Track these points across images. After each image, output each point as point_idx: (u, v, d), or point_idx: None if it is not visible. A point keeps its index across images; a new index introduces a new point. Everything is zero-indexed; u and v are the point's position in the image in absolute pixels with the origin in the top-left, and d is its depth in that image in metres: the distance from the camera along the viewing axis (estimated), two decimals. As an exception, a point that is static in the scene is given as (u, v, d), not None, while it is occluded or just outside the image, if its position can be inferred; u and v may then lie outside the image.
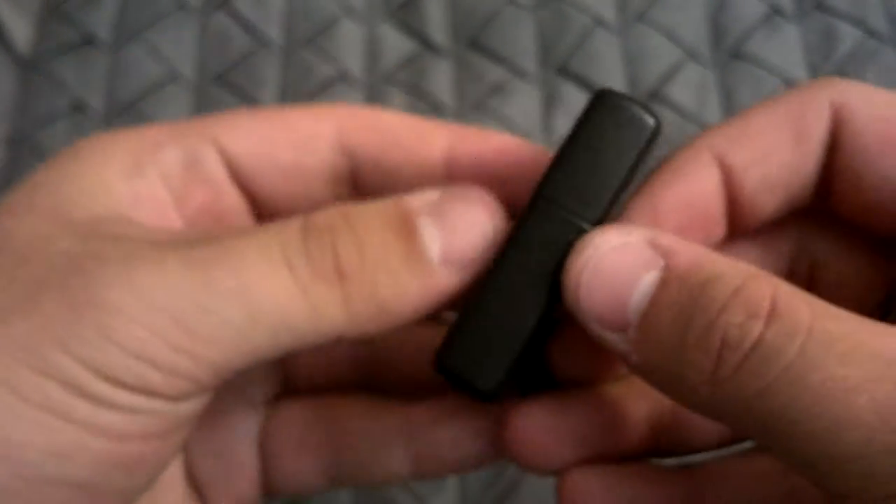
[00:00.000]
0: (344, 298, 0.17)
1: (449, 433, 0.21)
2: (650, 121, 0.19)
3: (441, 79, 0.44)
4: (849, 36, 0.43)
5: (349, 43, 0.45)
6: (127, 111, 0.43)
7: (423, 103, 0.43)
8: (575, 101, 0.43)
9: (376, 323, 0.17)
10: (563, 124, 0.42)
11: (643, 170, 0.21)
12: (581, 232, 0.19)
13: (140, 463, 0.17)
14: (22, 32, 0.45)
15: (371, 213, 0.18)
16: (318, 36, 0.45)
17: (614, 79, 0.43)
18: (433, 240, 0.18)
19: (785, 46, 0.44)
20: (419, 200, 0.18)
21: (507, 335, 0.19)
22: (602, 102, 0.19)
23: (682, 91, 0.43)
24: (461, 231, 0.18)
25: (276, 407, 0.22)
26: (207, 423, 0.21)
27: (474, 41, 0.45)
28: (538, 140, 0.42)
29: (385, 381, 0.22)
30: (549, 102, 0.43)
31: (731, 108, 0.42)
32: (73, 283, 0.16)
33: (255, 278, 0.17)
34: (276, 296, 0.17)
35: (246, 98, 0.44)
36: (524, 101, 0.43)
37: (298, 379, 0.23)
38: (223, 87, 0.44)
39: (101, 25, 0.46)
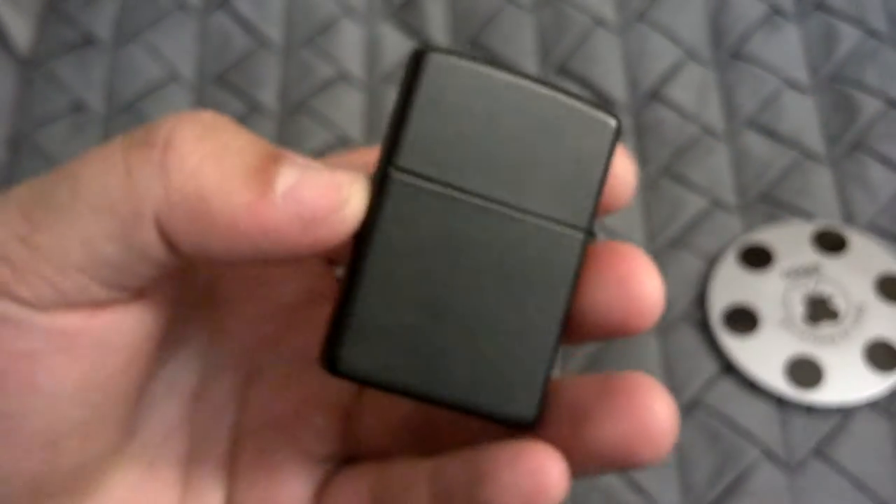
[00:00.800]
0: (163, 166, 0.16)
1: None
2: (612, 121, 0.18)
3: (441, 79, 0.44)
4: (849, 36, 0.43)
5: (349, 43, 0.45)
6: (127, 111, 0.43)
7: (423, 103, 0.43)
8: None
9: (194, 218, 0.16)
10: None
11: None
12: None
13: (10, 383, 0.17)
14: (22, 32, 0.45)
15: (244, 132, 0.17)
16: (318, 36, 0.45)
17: (614, 79, 0.43)
18: (287, 177, 0.16)
19: (785, 46, 0.44)
20: (300, 158, 0.17)
21: (531, 353, 0.18)
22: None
23: (682, 91, 0.43)
24: (324, 187, 0.16)
25: (337, 471, 0.21)
26: (259, 469, 0.21)
27: (474, 41, 0.45)
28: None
29: (443, 446, 0.21)
30: (549, 102, 0.43)
31: (731, 108, 0.42)
32: None
33: (89, 159, 0.16)
34: (99, 167, 0.16)
35: (246, 98, 0.44)
36: (524, 101, 0.43)
37: (361, 443, 0.21)
38: (223, 87, 0.44)
39: (101, 25, 0.46)
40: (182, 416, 0.20)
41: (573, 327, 0.18)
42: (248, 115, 0.43)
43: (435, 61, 0.17)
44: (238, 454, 0.21)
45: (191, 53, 0.45)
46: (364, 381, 0.18)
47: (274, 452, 0.20)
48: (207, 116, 0.17)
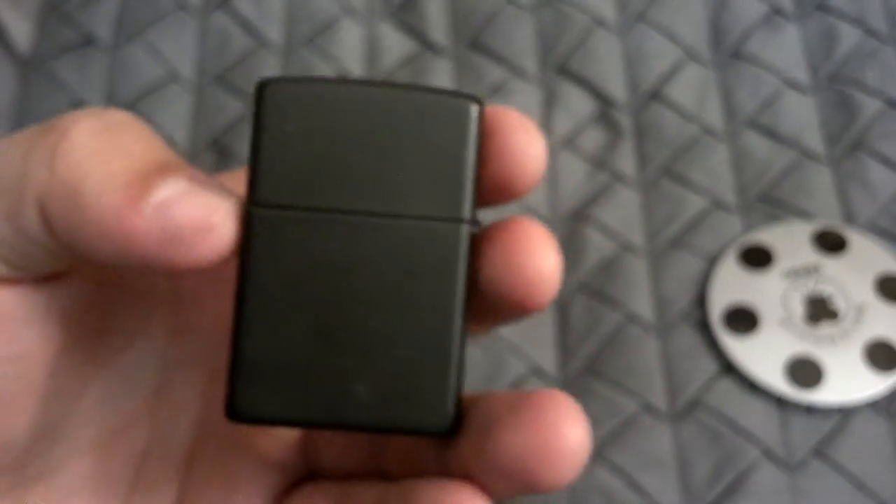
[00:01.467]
0: (53, 153, 0.16)
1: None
2: (472, 108, 0.18)
3: (441, 79, 0.44)
4: (849, 36, 0.43)
5: (349, 43, 0.45)
6: (127, 111, 0.43)
7: (423, 103, 0.43)
8: (575, 101, 0.43)
9: (68, 210, 0.16)
10: (563, 124, 0.42)
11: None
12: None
13: None
14: (22, 32, 0.45)
15: (147, 137, 0.17)
16: (318, 36, 0.45)
17: (614, 79, 0.43)
18: (165, 191, 0.16)
19: (785, 46, 0.44)
20: (196, 175, 0.17)
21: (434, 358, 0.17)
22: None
23: (682, 91, 0.43)
24: (196, 208, 0.16)
25: (297, 484, 0.21)
26: (214, 472, 0.20)
27: (474, 41, 0.45)
28: (538, 140, 0.42)
29: (396, 466, 0.20)
30: (549, 102, 0.43)
31: (731, 107, 0.42)
32: None
33: (4, 141, 0.17)
34: (5, 148, 0.17)
35: (246, 98, 0.44)
36: (524, 101, 0.43)
37: (323, 458, 0.21)
38: (223, 87, 0.44)
39: (101, 25, 0.46)
40: (141, 410, 0.20)
41: (475, 312, 0.18)
42: (248, 116, 0.43)
43: (273, 91, 0.17)
44: (196, 454, 0.21)
45: (191, 53, 0.45)
46: (269, 423, 0.17)
47: (231, 456, 0.20)
48: (116, 115, 0.17)
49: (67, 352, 0.19)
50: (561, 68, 0.44)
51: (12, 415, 0.18)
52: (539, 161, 0.17)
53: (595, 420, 0.36)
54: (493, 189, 0.18)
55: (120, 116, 0.17)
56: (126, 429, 0.20)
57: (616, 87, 0.43)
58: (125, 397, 0.20)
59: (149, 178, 0.16)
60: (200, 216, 0.16)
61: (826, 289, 0.37)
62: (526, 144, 0.17)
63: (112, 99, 0.44)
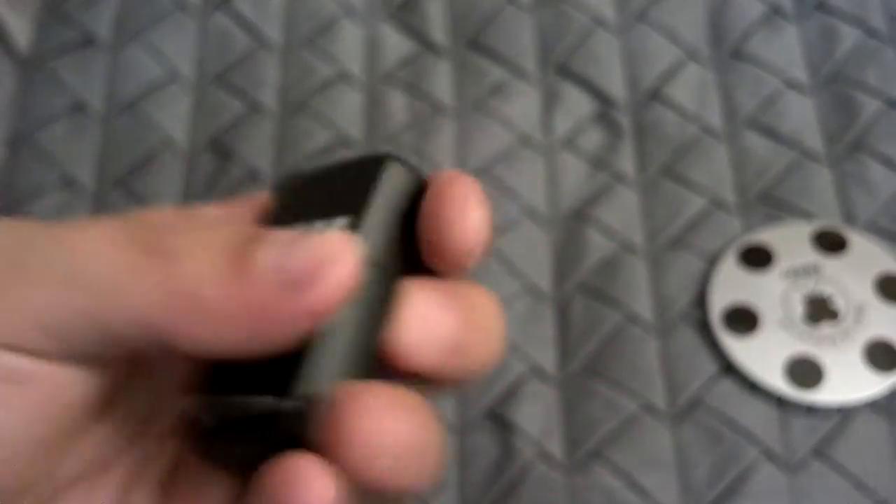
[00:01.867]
0: (166, 277, 0.16)
1: None
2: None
3: (441, 79, 0.44)
4: (849, 36, 0.43)
5: (349, 43, 0.45)
6: (127, 111, 0.43)
7: (423, 103, 0.43)
8: (575, 101, 0.43)
9: (191, 313, 0.16)
10: (563, 124, 0.42)
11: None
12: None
13: None
14: (22, 32, 0.45)
15: (222, 229, 0.17)
16: (318, 36, 0.45)
17: (614, 79, 0.43)
18: (269, 252, 0.16)
19: (785, 46, 0.44)
20: (285, 235, 0.17)
21: None
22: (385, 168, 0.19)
23: (682, 91, 0.43)
24: (307, 252, 0.16)
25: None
26: (190, 500, 0.20)
27: (474, 41, 0.45)
28: (538, 140, 0.42)
29: None
30: (549, 102, 0.43)
31: (731, 107, 0.42)
32: None
33: (88, 237, 0.17)
34: (100, 252, 0.16)
35: (246, 98, 0.44)
36: (524, 101, 0.43)
37: None
38: (223, 87, 0.44)
39: (101, 25, 0.46)
40: (130, 438, 0.20)
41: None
42: (248, 116, 0.43)
43: (396, 170, 0.19)
44: (176, 482, 0.20)
45: (191, 53, 0.45)
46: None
47: (206, 485, 0.20)
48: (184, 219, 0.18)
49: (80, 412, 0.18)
50: (561, 68, 0.44)
51: (32, 465, 0.18)
52: (475, 234, 0.18)
53: (595, 420, 0.36)
54: (434, 258, 0.18)
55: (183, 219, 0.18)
56: (111, 461, 0.20)
57: (616, 87, 0.43)
58: (120, 429, 0.20)
59: (245, 248, 0.16)
60: (316, 256, 0.16)
61: (826, 289, 0.37)
62: (461, 216, 0.18)
63: (112, 99, 0.44)
